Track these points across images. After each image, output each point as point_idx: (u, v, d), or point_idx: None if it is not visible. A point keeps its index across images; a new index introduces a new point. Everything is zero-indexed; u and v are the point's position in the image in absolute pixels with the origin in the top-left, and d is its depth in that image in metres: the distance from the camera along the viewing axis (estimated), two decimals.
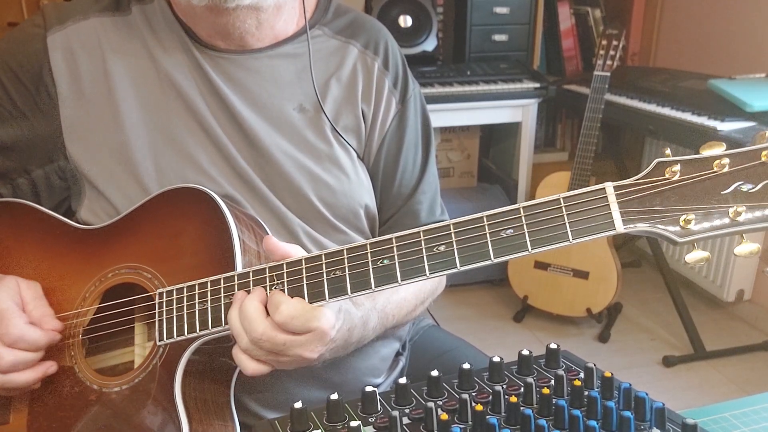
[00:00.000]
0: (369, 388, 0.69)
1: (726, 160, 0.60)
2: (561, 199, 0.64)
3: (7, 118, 0.91)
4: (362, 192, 0.97)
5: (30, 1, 2.80)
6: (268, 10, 0.90)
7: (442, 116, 2.66)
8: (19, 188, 0.94)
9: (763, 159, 0.59)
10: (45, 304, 0.85)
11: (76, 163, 0.90)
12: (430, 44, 2.78)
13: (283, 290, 0.73)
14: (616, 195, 0.63)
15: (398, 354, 1.08)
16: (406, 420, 0.67)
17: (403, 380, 0.70)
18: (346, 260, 0.71)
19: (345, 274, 0.70)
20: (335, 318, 0.75)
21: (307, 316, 0.71)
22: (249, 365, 0.74)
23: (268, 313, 0.72)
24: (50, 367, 0.83)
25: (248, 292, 0.74)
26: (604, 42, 2.40)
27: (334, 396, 0.67)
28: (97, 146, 0.90)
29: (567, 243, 0.63)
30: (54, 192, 0.94)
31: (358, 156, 0.98)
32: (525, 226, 0.65)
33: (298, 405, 0.66)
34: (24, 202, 0.93)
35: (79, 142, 0.90)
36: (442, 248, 0.67)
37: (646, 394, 0.66)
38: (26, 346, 0.80)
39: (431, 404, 0.65)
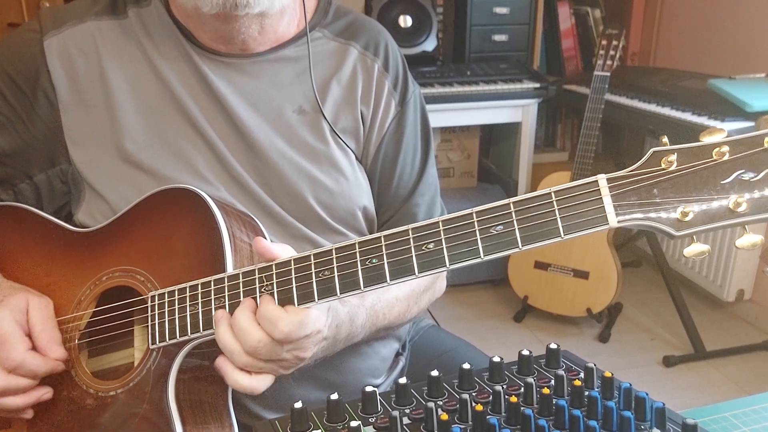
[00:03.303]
0: (369, 388, 0.69)
1: (726, 148, 0.57)
2: (552, 194, 0.62)
3: (6, 125, 0.91)
4: (360, 194, 0.97)
5: (30, 2, 2.79)
6: (273, 15, 0.90)
7: (442, 116, 2.66)
8: (21, 194, 0.94)
9: (766, 146, 0.56)
10: (54, 327, 0.82)
11: (77, 165, 0.90)
12: (430, 44, 2.78)
13: (272, 293, 0.72)
14: (610, 187, 0.60)
15: (398, 354, 1.08)
16: (406, 420, 0.67)
17: (403, 380, 0.70)
18: (334, 260, 0.70)
19: (334, 275, 0.69)
20: (326, 317, 0.75)
21: (305, 324, 0.71)
22: (244, 381, 0.73)
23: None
24: (45, 394, 0.81)
25: (222, 307, 0.73)
26: (604, 42, 2.41)
27: (334, 396, 0.67)
28: (95, 149, 0.90)
29: (558, 239, 0.61)
30: (55, 196, 0.94)
31: (357, 158, 0.98)
32: (515, 222, 0.62)
33: (298, 405, 0.66)
34: (19, 205, 0.92)
35: (79, 145, 0.90)
36: (431, 246, 0.65)
37: (647, 394, 0.66)
38: (25, 373, 0.78)
39: (431, 404, 0.65)
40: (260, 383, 0.73)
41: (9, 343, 0.77)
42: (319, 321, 0.73)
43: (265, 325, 0.70)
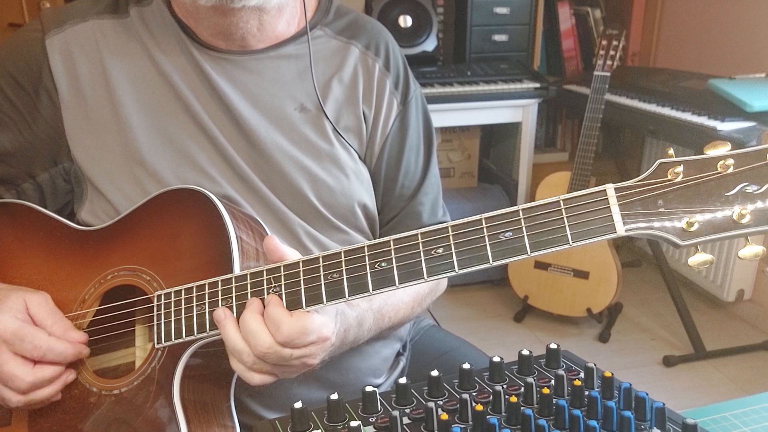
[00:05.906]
0: (369, 388, 0.69)
1: (730, 161, 0.58)
2: (561, 201, 0.63)
3: (8, 124, 0.91)
4: (361, 191, 0.97)
5: (31, 2, 2.80)
6: (271, 11, 0.90)
7: (443, 116, 2.66)
8: (24, 193, 0.94)
9: None
10: (62, 317, 0.83)
11: (79, 164, 0.90)
12: (430, 44, 2.78)
13: (280, 294, 0.72)
14: (617, 197, 0.61)
15: (399, 354, 1.08)
16: (406, 420, 0.67)
17: (403, 380, 0.70)
18: (343, 263, 0.70)
19: (343, 278, 0.69)
20: (334, 323, 0.75)
21: (308, 331, 0.70)
22: (254, 378, 0.73)
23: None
24: (69, 375, 0.82)
25: (230, 307, 0.73)
26: (604, 42, 2.41)
27: (335, 396, 0.67)
28: (97, 148, 0.90)
29: (567, 246, 0.62)
30: (58, 195, 0.94)
31: (360, 157, 0.98)
32: (524, 228, 0.63)
33: (299, 405, 0.66)
34: (23, 203, 0.92)
35: (81, 144, 0.90)
36: (440, 251, 0.66)
37: (647, 394, 0.66)
38: (53, 358, 0.78)
39: (432, 404, 0.65)
40: (263, 380, 0.74)
41: (30, 334, 0.77)
42: (326, 327, 0.72)
43: (270, 327, 0.70)
